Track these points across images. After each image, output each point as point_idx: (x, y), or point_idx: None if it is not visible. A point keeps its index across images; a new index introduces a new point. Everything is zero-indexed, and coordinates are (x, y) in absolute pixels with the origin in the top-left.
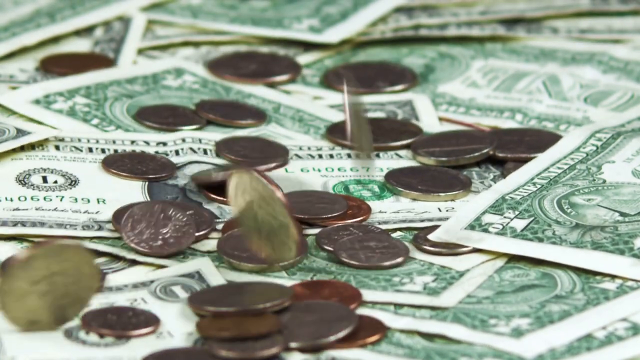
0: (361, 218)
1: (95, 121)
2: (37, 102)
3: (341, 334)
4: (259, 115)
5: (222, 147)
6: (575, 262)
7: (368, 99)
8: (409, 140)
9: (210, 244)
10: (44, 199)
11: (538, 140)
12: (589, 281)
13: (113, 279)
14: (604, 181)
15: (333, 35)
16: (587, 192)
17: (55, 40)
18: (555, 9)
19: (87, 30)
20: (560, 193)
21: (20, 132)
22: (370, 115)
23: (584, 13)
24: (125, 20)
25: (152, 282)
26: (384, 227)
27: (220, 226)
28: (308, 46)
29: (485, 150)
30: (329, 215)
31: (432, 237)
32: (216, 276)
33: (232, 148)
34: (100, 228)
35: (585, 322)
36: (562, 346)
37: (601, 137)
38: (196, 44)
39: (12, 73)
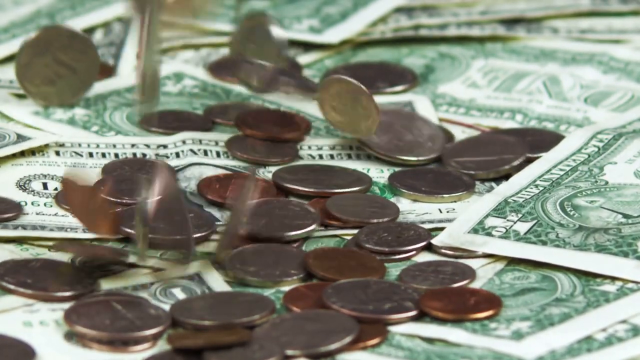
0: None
1: (95, 128)
2: (37, 113)
3: (338, 345)
4: None
5: (232, 146)
6: (579, 265)
7: None
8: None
9: (211, 246)
10: (45, 204)
11: (540, 140)
12: (589, 283)
13: (113, 282)
14: (606, 183)
15: (333, 35)
16: (589, 194)
17: None
18: (555, 9)
19: (88, 34)
20: (563, 195)
21: (21, 138)
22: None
23: (584, 13)
24: (125, 23)
25: (152, 284)
26: None
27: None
28: (308, 46)
29: (516, 163)
30: (380, 220)
31: (435, 241)
32: (216, 278)
33: (243, 146)
34: None
35: (585, 325)
36: (562, 348)
37: (602, 138)
38: (196, 47)
39: (12, 78)
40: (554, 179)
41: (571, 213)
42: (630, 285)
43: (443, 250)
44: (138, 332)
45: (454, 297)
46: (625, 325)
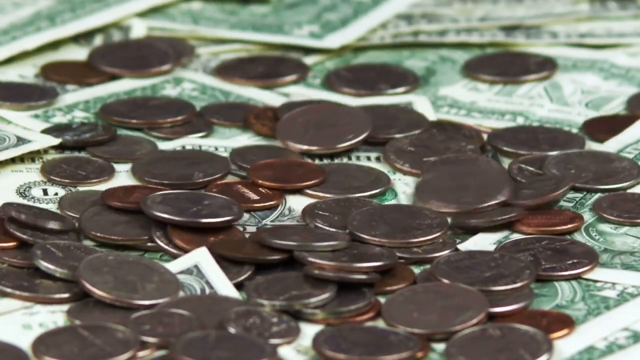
0: None
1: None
2: (37, 116)
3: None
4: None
5: (235, 157)
6: (604, 279)
7: (369, 100)
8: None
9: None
10: None
11: (553, 137)
12: (590, 289)
13: None
14: None
15: (333, 41)
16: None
17: (54, 46)
18: (554, 16)
19: (87, 39)
20: (587, 220)
21: (21, 140)
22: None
23: (583, 20)
24: (124, 30)
25: None
26: None
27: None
28: (309, 50)
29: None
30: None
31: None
32: (215, 269)
33: (246, 157)
34: None
35: (586, 335)
36: None
37: None
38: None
39: (12, 80)
40: (577, 199)
41: (596, 238)
42: (630, 290)
43: None
44: (109, 359)
45: (526, 320)
46: (626, 332)
